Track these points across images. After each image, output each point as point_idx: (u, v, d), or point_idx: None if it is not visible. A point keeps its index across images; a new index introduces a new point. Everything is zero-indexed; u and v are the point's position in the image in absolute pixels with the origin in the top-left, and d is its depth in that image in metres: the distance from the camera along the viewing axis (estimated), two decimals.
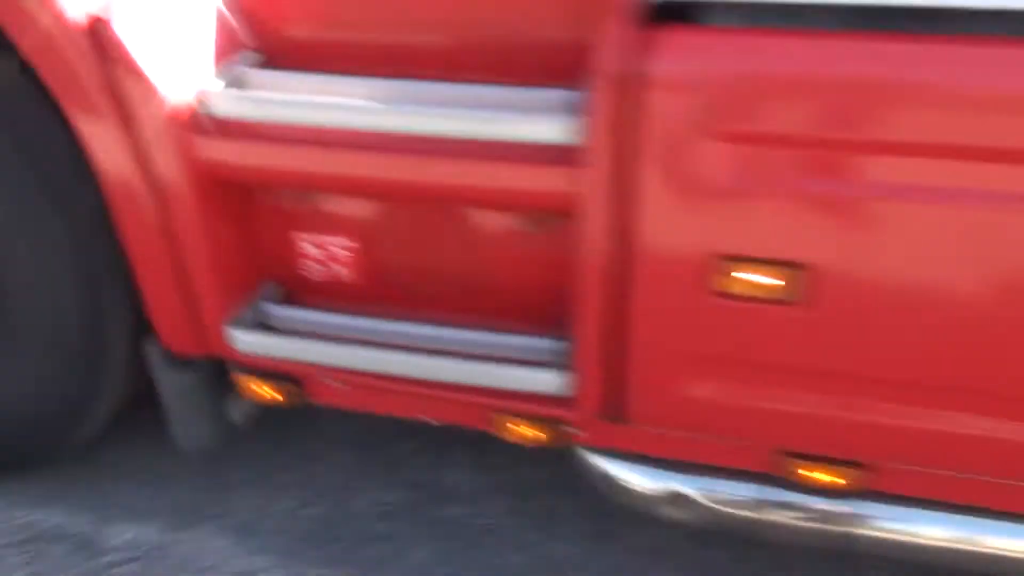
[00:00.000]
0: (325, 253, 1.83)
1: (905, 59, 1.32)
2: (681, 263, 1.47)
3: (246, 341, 1.79)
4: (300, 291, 1.88)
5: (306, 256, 1.84)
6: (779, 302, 1.46)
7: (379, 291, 1.82)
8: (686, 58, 1.38)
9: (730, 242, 1.44)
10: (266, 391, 1.87)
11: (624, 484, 1.74)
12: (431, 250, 1.77)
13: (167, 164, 1.63)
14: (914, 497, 1.63)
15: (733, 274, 1.46)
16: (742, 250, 1.44)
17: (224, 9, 1.70)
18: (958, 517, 1.62)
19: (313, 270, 1.85)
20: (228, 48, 1.70)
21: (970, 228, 1.35)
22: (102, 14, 1.53)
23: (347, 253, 1.81)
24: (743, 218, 1.43)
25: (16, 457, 2.10)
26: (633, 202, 1.45)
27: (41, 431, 2.03)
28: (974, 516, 1.61)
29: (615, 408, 1.64)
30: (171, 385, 1.90)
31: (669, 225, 1.46)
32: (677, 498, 1.71)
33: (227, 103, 1.62)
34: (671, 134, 1.39)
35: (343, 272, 1.83)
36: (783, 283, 1.44)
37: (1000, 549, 1.60)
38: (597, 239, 1.49)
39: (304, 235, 1.82)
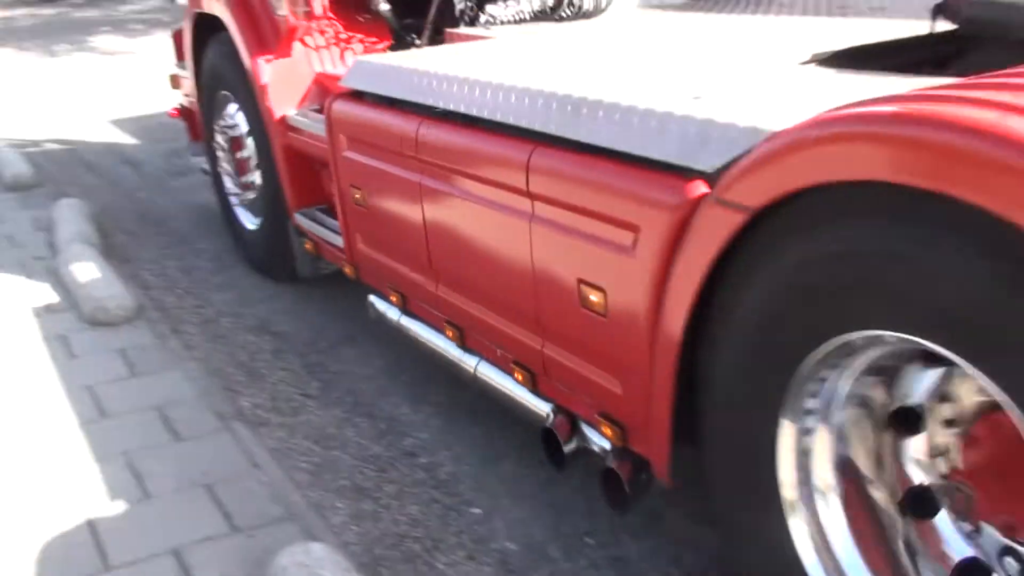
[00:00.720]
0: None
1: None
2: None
3: (297, 219, 4.13)
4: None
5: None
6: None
7: None
8: (352, 108, 3.29)
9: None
10: (308, 246, 4.09)
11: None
12: None
13: (275, 139, 4.09)
14: None
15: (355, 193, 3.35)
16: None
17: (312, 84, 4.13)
18: None
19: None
20: (310, 100, 4.09)
21: None
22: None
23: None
24: (356, 176, 3.32)
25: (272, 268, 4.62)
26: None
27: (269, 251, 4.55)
28: None
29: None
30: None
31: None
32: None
33: (295, 120, 3.97)
34: (349, 133, 3.32)
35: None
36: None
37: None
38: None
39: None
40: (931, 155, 1.47)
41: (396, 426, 3.36)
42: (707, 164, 1.96)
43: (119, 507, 2.86)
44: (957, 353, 1.56)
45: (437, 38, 3.90)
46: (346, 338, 4.02)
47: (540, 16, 4.00)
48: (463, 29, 3.79)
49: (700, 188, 1.97)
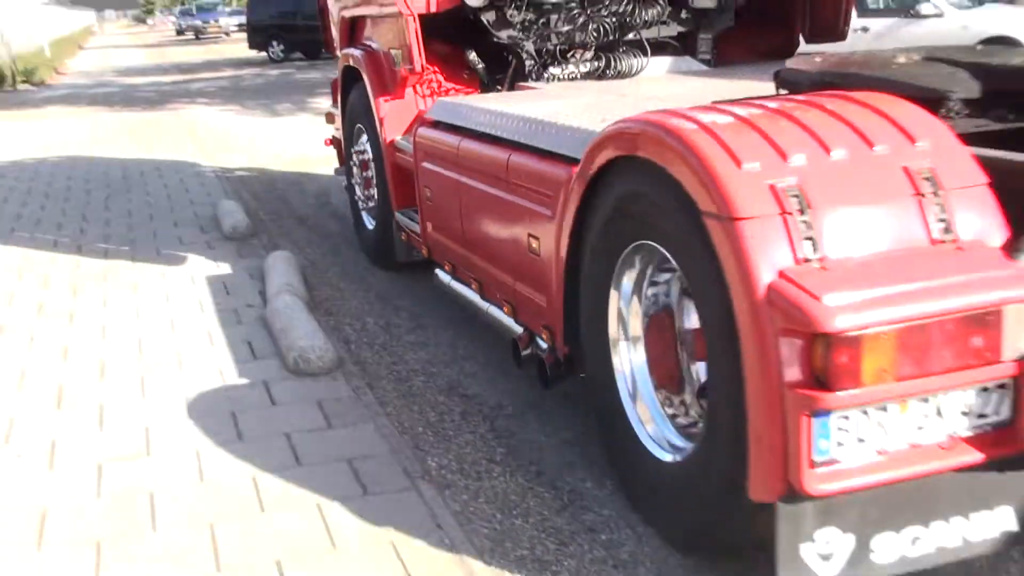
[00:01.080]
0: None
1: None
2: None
3: (397, 216, 5.41)
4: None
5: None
6: None
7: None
8: (428, 131, 4.66)
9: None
10: (403, 237, 5.37)
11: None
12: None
13: (386, 158, 5.37)
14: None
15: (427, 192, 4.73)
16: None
17: (415, 119, 5.19)
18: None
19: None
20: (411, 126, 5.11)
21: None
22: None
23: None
24: (427, 180, 4.67)
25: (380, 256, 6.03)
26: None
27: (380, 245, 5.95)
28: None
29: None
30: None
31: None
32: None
33: (399, 143, 5.18)
34: (424, 150, 4.63)
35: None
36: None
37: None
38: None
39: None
40: (645, 140, 2.74)
41: (579, 499, 3.34)
42: (582, 155, 3.10)
43: (307, 555, 2.96)
44: (671, 255, 2.79)
45: (512, 89, 5.19)
46: (532, 405, 4.04)
47: (588, 75, 5.26)
48: (529, 83, 5.11)
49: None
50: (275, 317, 4.86)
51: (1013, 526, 2.48)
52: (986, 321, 2.24)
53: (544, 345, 3.61)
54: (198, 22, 50.54)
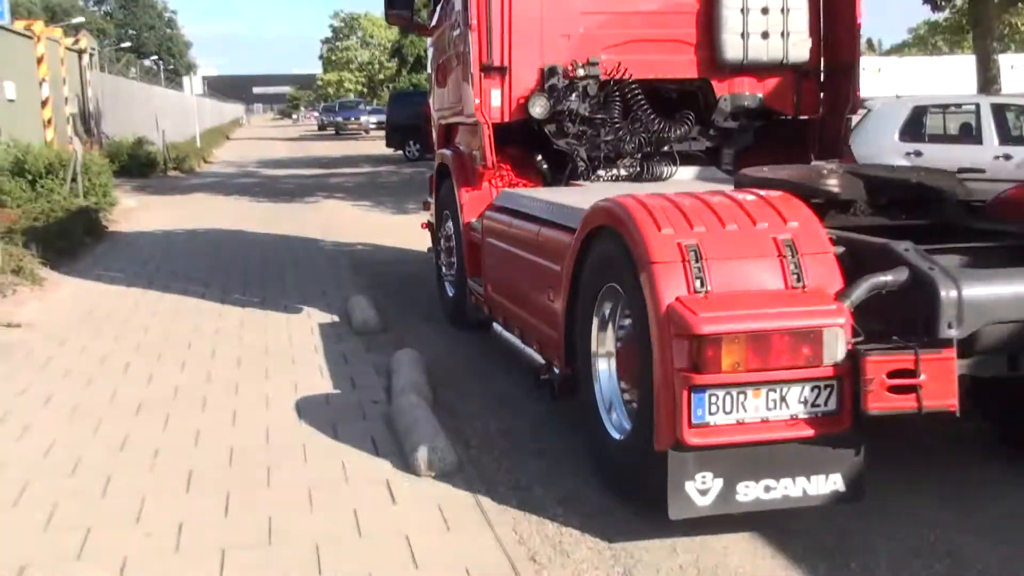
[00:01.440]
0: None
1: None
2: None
3: (469, 283, 6.72)
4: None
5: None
6: None
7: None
8: (492, 213, 6.20)
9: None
10: (473, 298, 6.66)
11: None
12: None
13: (464, 236, 6.76)
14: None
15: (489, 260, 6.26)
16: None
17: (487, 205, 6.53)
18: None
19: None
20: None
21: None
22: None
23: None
24: (489, 252, 6.18)
25: (455, 315, 7.41)
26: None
27: (456, 307, 7.32)
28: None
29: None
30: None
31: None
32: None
33: (473, 224, 6.63)
34: (488, 229, 6.16)
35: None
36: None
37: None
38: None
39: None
40: (609, 214, 4.06)
41: None
42: (578, 225, 4.49)
43: None
44: (621, 289, 4.04)
45: (567, 185, 6.50)
46: (651, 521, 3.91)
47: (628, 178, 6.61)
48: (580, 181, 6.47)
49: None
50: (399, 415, 4.95)
51: (841, 488, 3.64)
52: (810, 337, 3.43)
53: (556, 371, 4.86)
54: (339, 119, 53.01)
